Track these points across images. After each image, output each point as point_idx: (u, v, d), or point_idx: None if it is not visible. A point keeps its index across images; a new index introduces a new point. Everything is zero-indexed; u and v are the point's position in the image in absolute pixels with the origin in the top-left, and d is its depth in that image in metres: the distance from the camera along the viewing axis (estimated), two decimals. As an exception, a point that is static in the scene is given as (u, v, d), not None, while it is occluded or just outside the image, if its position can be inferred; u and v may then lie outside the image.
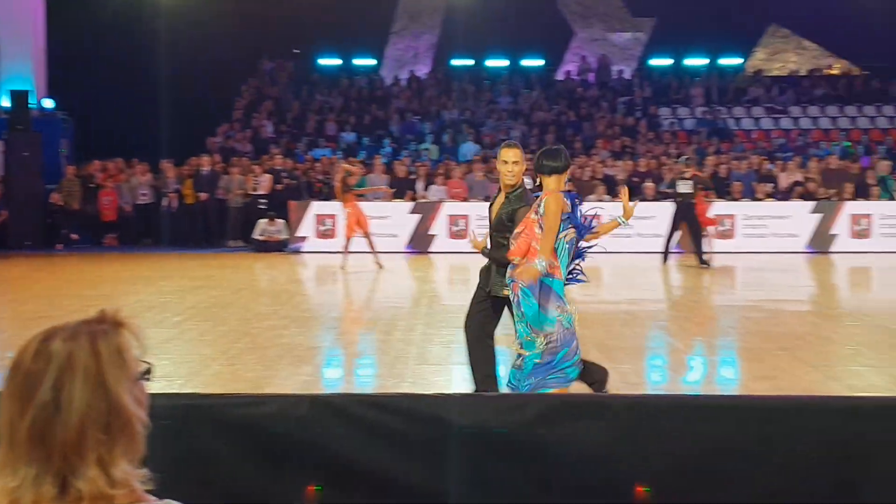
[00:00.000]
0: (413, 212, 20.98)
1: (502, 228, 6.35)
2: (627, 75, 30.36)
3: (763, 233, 20.80)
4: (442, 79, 29.71)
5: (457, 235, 20.84)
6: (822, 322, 11.43)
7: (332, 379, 8.57)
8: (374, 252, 17.04)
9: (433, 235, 20.88)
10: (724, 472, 3.47)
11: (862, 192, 21.51)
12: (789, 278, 16.61)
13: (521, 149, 6.51)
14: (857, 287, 16.94)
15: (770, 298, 13.61)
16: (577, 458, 3.45)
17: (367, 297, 14.71)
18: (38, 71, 24.40)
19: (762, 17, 30.97)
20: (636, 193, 19.01)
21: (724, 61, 30.87)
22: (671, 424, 3.52)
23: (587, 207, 6.19)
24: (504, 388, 6.32)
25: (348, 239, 16.99)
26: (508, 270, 5.96)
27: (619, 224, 6.21)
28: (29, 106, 22.59)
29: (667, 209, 18.53)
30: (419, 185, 22.16)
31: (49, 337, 1.76)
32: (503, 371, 6.96)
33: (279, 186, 21.99)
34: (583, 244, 6.04)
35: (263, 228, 20.99)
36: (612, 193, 21.09)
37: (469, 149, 25.17)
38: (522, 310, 5.80)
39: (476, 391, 6.68)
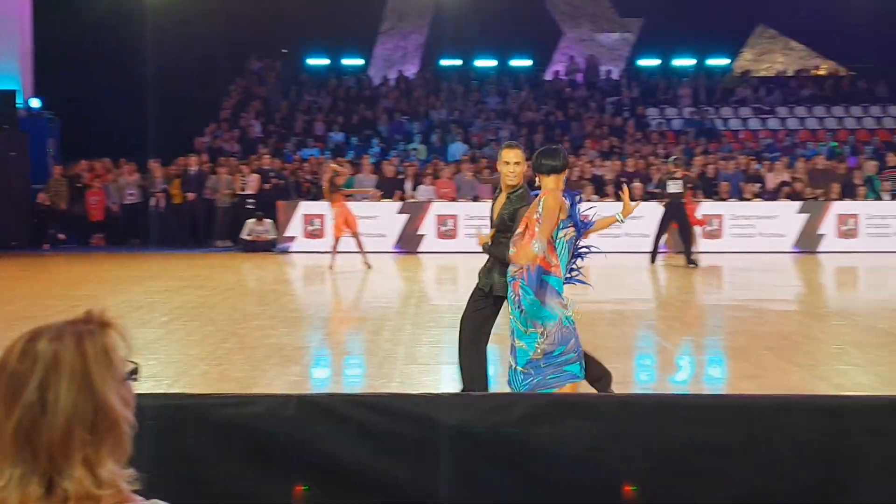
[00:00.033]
0: (401, 212, 20.98)
1: (504, 228, 6.36)
2: (615, 75, 30.41)
3: (750, 233, 20.86)
4: (430, 79, 29.70)
5: (445, 235, 20.85)
6: (809, 321, 11.47)
7: (320, 379, 8.56)
8: (362, 252, 17.03)
9: (422, 235, 20.88)
10: (711, 471, 3.48)
11: (849, 193, 21.60)
12: (776, 278, 16.66)
13: (521, 149, 6.53)
14: (844, 287, 17.00)
15: (757, 298, 13.65)
16: (565, 457, 3.45)
17: (355, 297, 14.70)
18: (25, 70, 24.30)
19: (749, 17, 31.06)
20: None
21: (712, 62, 30.96)
22: (658, 424, 3.53)
23: (584, 207, 6.20)
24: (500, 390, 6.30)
25: (337, 239, 16.98)
26: (510, 269, 5.96)
27: (617, 221, 6.25)
28: (16, 105, 22.50)
29: (655, 209, 18.58)
30: (407, 185, 22.15)
31: (35, 337, 1.76)
32: (492, 370, 6.95)
33: (267, 186, 21.96)
34: (582, 243, 6.05)
35: (251, 228, 20.95)
36: (601, 193, 21.13)
37: (457, 149, 25.18)
38: (522, 306, 5.81)
39: (463, 391, 6.68)
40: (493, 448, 3.46)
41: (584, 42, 31.74)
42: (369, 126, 26.97)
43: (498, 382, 6.84)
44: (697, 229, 18.51)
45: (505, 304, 6.33)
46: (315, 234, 20.61)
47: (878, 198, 21.64)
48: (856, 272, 18.17)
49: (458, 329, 6.79)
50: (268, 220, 20.96)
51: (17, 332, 1.80)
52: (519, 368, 5.83)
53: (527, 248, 5.65)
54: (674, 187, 17.49)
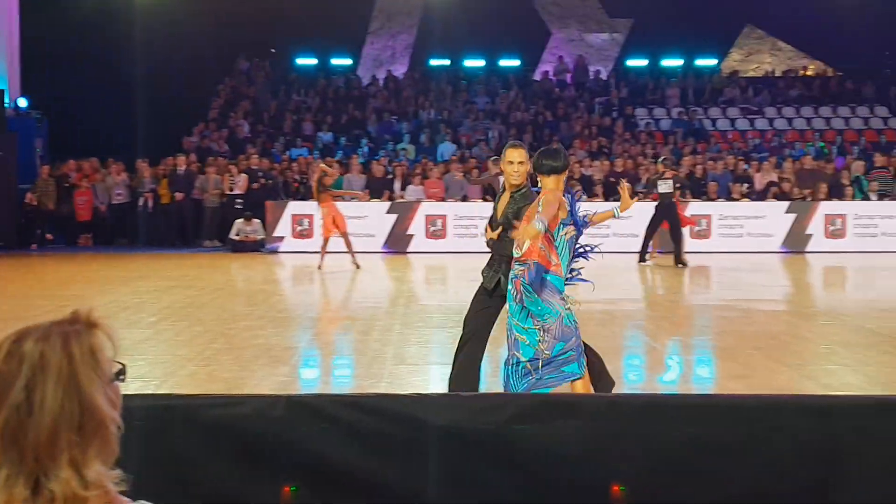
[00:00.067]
0: (390, 212, 20.97)
1: (508, 227, 6.37)
2: (604, 76, 30.46)
3: (738, 233, 20.92)
4: (419, 79, 29.70)
5: (434, 235, 20.85)
6: (797, 321, 11.50)
7: (308, 379, 8.54)
8: (351, 252, 17.02)
9: (411, 235, 20.87)
10: (700, 471, 3.49)
11: (836, 193, 21.67)
12: (764, 278, 16.70)
13: (525, 149, 6.54)
14: (832, 286, 17.06)
15: (745, 298, 13.68)
16: (554, 457, 3.45)
17: (344, 298, 14.68)
18: (13, 70, 24.21)
19: (738, 18, 31.15)
20: (612, 193, 19.05)
21: (700, 62, 31.03)
22: (647, 424, 3.53)
23: (582, 207, 6.21)
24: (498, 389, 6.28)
25: (326, 239, 16.96)
26: (514, 268, 5.96)
27: (614, 216, 6.28)
28: (3, 105, 22.41)
29: (643, 209, 18.61)
30: (396, 185, 22.15)
31: (21, 338, 1.75)
32: (486, 369, 6.94)
33: (255, 186, 21.92)
34: (582, 242, 6.06)
35: (240, 228, 20.91)
36: (589, 193, 21.15)
37: (446, 149, 25.19)
38: (524, 304, 5.81)
39: (450, 388, 6.67)
40: (482, 448, 3.46)
41: (573, 42, 31.78)
42: (358, 126, 26.95)
43: (487, 382, 6.81)
44: (686, 229, 18.54)
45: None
46: (304, 234, 20.58)
47: (866, 198, 21.72)
48: (843, 272, 18.24)
49: (462, 328, 6.76)
50: (256, 220, 20.92)
51: (3, 332, 1.79)
52: (524, 360, 5.81)
53: (528, 226, 5.64)
54: (664, 187, 17.53)
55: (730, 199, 21.68)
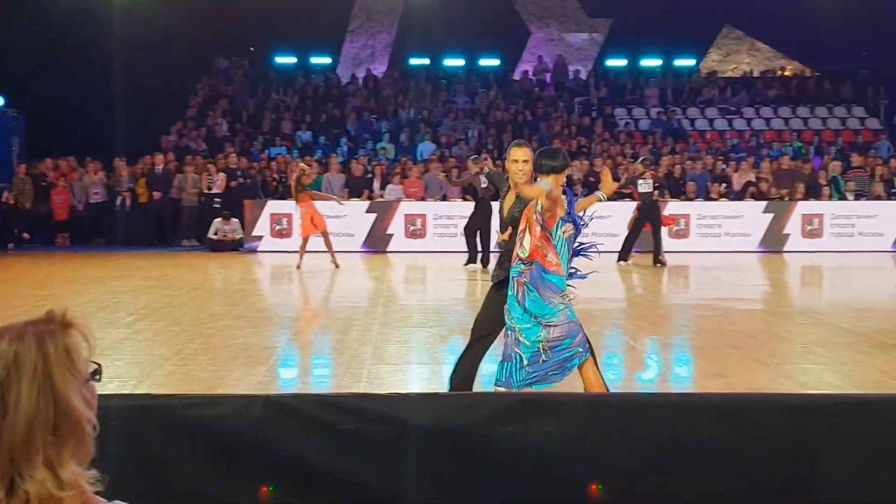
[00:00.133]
0: (369, 211, 20.94)
1: (515, 225, 6.38)
2: (583, 76, 30.52)
3: (717, 232, 21.01)
4: (399, 78, 29.67)
5: (413, 235, 20.84)
6: (775, 320, 11.56)
7: (287, 379, 8.52)
8: (330, 251, 16.98)
9: (390, 235, 20.85)
10: (677, 470, 3.50)
11: (813, 192, 21.80)
12: (742, 277, 16.78)
13: (530, 147, 6.54)
14: (809, 286, 17.15)
15: (723, 297, 13.74)
16: (533, 456, 3.46)
17: (323, 297, 14.65)
18: (-11, 68, 24.05)
19: (716, 18, 31.27)
20: (592, 192, 19.09)
21: (679, 62, 31.15)
22: (625, 423, 3.54)
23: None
24: (493, 387, 6.27)
25: (305, 239, 16.92)
26: (516, 267, 5.97)
27: (600, 199, 6.29)
28: (-21, 103, 22.27)
29: (622, 209, 18.69)
30: (376, 185, 22.12)
31: (-5, 337, 1.74)
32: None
33: (234, 185, 21.85)
34: (581, 240, 6.07)
35: (218, 227, 20.84)
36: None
37: (426, 148, 25.18)
38: (525, 303, 5.82)
39: (451, 384, 6.72)
40: (461, 448, 3.46)
41: (553, 42, 31.83)
42: (337, 125, 26.91)
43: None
44: (664, 229, 18.60)
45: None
46: (282, 234, 20.53)
47: (843, 198, 21.86)
48: (820, 271, 18.34)
49: (473, 325, 6.77)
50: (235, 220, 20.85)
51: (-23, 332, 1.77)
52: (526, 358, 5.82)
53: (536, 185, 5.67)
54: (644, 187, 17.58)
55: (708, 198, 21.77)
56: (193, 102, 27.36)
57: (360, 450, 3.40)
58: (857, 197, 21.85)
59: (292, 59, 30.61)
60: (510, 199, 6.62)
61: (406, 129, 26.50)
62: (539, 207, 5.83)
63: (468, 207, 17.89)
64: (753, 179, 22.30)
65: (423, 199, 21.52)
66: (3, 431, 1.68)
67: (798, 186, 21.55)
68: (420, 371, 8.62)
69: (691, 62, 31.43)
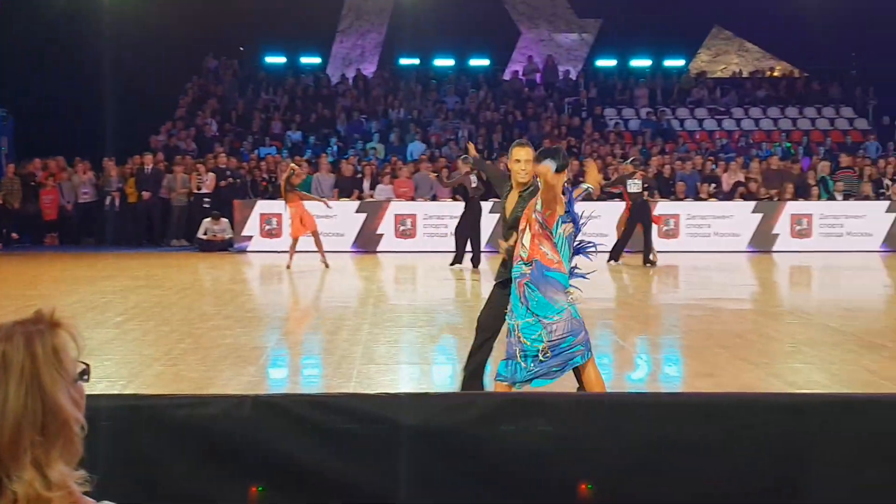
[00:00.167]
0: (359, 211, 20.92)
1: (517, 225, 6.39)
2: (573, 76, 30.55)
3: (706, 232, 21.06)
4: (389, 78, 29.65)
5: (403, 235, 20.83)
6: (764, 320, 11.59)
7: (276, 379, 8.51)
8: (320, 251, 16.97)
9: (380, 235, 20.84)
10: (667, 469, 3.50)
11: (802, 193, 21.86)
12: (731, 277, 16.81)
13: (532, 147, 6.56)
14: (798, 286, 17.20)
15: (712, 297, 13.77)
16: (523, 456, 3.46)
17: (312, 297, 14.64)
18: (-23, 67, 23.95)
19: (705, 19, 31.33)
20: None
21: (669, 63, 31.19)
22: (615, 422, 3.54)
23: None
24: (493, 383, 6.28)
25: (295, 239, 16.90)
26: (518, 268, 5.97)
27: (586, 191, 6.29)
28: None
29: (613, 208, 18.71)
30: (366, 185, 22.10)
31: (-17, 337, 1.73)
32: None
33: (223, 185, 21.81)
34: (581, 238, 6.09)
35: (207, 227, 20.80)
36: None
37: (416, 148, 25.18)
38: (528, 302, 5.83)
39: (464, 384, 6.75)
40: (452, 448, 3.46)
41: (543, 42, 31.85)
42: (327, 125, 26.88)
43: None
44: (654, 227, 18.64)
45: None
46: (272, 234, 20.50)
47: (832, 198, 21.92)
48: (809, 271, 18.40)
49: (477, 324, 6.80)
50: (224, 220, 20.81)
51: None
52: (529, 356, 5.83)
53: (544, 164, 5.72)
54: (634, 187, 17.62)
55: (697, 198, 21.82)
56: (183, 102, 27.30)
57: (350, 450, 3.40)
58: (846, 197, 21.92)
59: (282, 59, 30.57)
60: (512, 199, 6.62)
61: (396, 129, 26.49)
62: (538, 206, 5.85)
63: (458, 207, 17.88)
64: (742, 179, 22.35)
65: (413, 199, 21.51)
66: (-10, 431, 1.67)
67: (787, 186, 21.61)
68: (410, 371, 8.62)
69: (681, 63, 31.49)
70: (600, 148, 25.17)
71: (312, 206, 17.55)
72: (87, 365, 1.82)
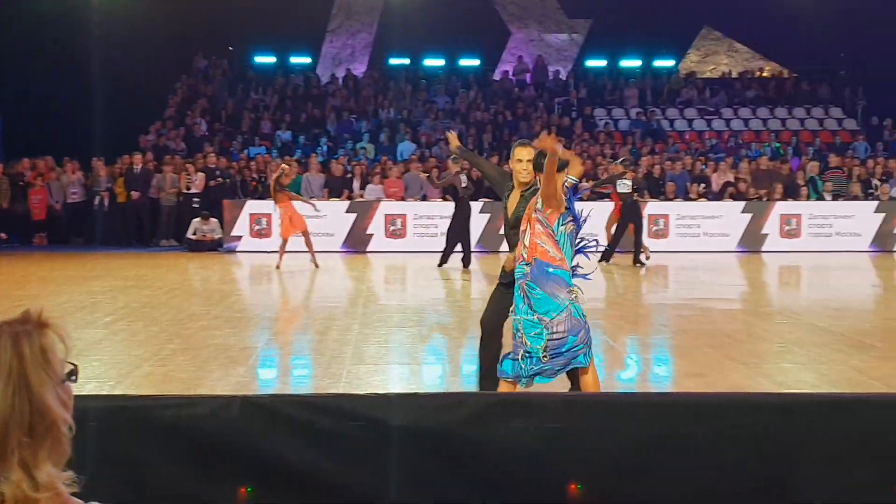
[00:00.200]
0: (349, 211, 20.90)
1: (519, 225, 6.39)
2: (563, 76, 30.58)
3: (696, 232, 21.10)
4: (378, 78, 29.63)
5: (393, 235, 20.82)
6: (753, 320, 11.61)
7: (266, 380, 8.50)
8: (311, 251, 16.95)
9: (370, 235, 20.82)
10: (656, 468, 3.50)
11: (791, 193, 21.92)
12: (721, 277, 16.85)
13: (534, 147, 6.57)
14: (787, 286, 17.24)
15: (702, 297, 13.80)
16: (512, 456, 3.46)
17: (302, 297, 14.62)
18: (-35, 66, 23.85)
19: (695, 19, 31.40)
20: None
21: (658, 63, 31.24)
22: (605, 422, 3.54)
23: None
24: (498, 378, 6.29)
25: (285, 239, 16.87)
26: (518, 269, 5.98)
27: (573, 183, 6.30)
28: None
29: (603, 208, 18.73)
30: (356, 185, 22.08)
31: (-30, 338, 1.72)
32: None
33: (213, 184, 21.76)
34: (581, 236, 6.10)
35: (197, 227, 20.75)
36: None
37: (406, 148, 25.17)
38: (530, 301, 5.83)
39: (480, 384, 6.77)
40: (442, 448, 3.46)
41: (533, 42, 31.88)
42: (317, 125, 26.85)
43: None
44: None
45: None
46: (261, 234, 20.46)
47: (820, 198, 21.98)
48: (798, 271, 18.45)
49: (481, 324, 6.80)
50: (214, 220, 20.76)
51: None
52: (533, 355, 5.84)
53: (552, 141, 5.79)
54: (623, 187, 17.65)
55: (687, 199, 21.86)
56: (172, 102, 27.23)
57: (340, 450, 3.39)
58: (835, 197, 21.98)
59: (272, 59, 30.52)
60: (514, 198, 6.63)
61: (386, 129, 26.48)
62: (539, 205, 5.87)
63: (448, 207, 17.88)
64: (732, 180, 22.40)
65: (403, 199, 21.50)
66: (-23, 433, 1.66)
67: (776, 187, 21.67)
68: (400, 371, 8.61)
69: (670, 63, 31.55)
70: (590, 148, 25.19)
71: (302, 207, 17.53)
72: (75, 365, 1.82)
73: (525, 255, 5.94)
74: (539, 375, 5.88)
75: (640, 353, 9.79)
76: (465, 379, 8.35)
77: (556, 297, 5.80)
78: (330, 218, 20.27)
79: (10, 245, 21.51)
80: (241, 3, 27.32)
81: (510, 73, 30.50)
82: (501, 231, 21.85)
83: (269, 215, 19.61)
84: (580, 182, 6.46)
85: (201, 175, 21.85)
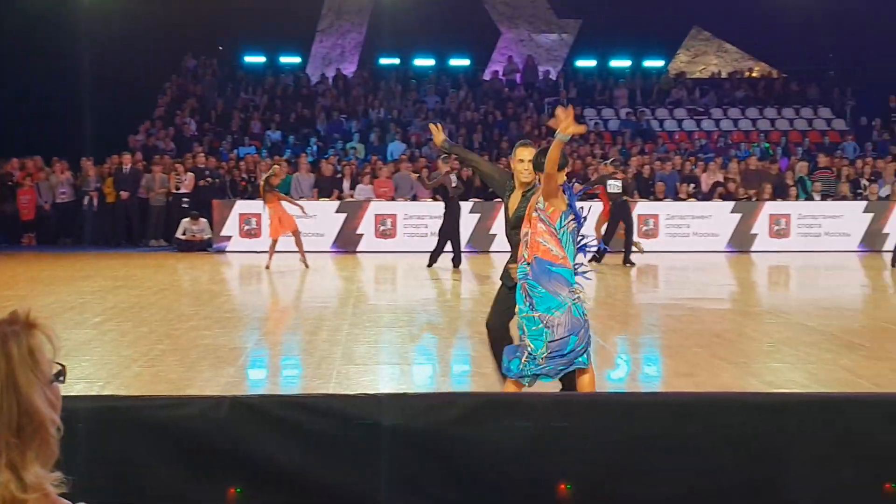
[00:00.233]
0: (339, 211, 20.88)
1: (520, 225, 6.39)
2: (553, 76, 30.61)
3: (685, 232, 21.14)
4: (368, 77, 29.62)
5: (384, 235, 20.81)
6: (742, 320, 11.64)
7: (255, 380, 8.48)
8: (301, 251, 16.93)
9: (360, 235, 20.80)
10: (645, 468, 3.51)
11: (781, 193, 21.98)
12: (710, 277, 16.89)
13: (535, 147, 6.57)
14: (776, 285, 17.29)
15: (692, 297, 13.82)
16: (502, 455, 3.46)
17: (292, 297, 14.61)
18: (-47, 66, 23.75)
19: (685, 20, 31.46)
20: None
21: (648, 63, 31.30)
22: (594, 422, 3.55)
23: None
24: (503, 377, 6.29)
25: (274, 240, 16.84)
26: (525, 269, 5.97)
27: (561, 140, 6.30)
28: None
29: (592, 209, 18.72)
30: (346, 185, 22.06)
31: (-42, 338, 1.71)
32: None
33: (202, 184, 21.72)
34: (582, 234, 6.10)
35: (186, 227, 20.71)
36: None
37: (396, 148, 25.15)
38: (532, 300, 5.83)
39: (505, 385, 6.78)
40: (432, 448, 3.46)
41: (523, 42, 31.90)
42: (307, 125, 26.82)
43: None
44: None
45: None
46: (251, 234, 20.42)
47: (809, 198, 22.05)
48: (787, 271, 18.49)
49: (487, 328, 6.78)
50: (203, 220, 20.72)
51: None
52: (536, 354, 5.84)
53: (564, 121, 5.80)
54: (613, 188, 17.67)
55: (677, 199, 21.90)
56: (161, 101, 27.17)
57: (329, 451, 3.39)
58: (824, 197, 22.05)
59: (261, 59, 30.48)
60: (515, 198, 6.63)
61: (376, 128, 26.47)
62: (541, 204, 5.87)
63: (439, 208, 17.87)
64: (721, 180, 22.45)
65: (393, 199, 21.49)
66: (-35, 434, 1.66)
67: (765, 187, 21.72)
68: (390, 371, 8.61)
69: (660, 63, 31.60)
70: (580, 148, 25.20)
71: (291, 208, 17.51)
72: (63, 366, 1.81)
73: (526, 256, 5.94)
74: (542, 376, 5.89)
75: (629, 352, 9.80)
76: (455, 379, 8.35)
77: (558, 296, 5.81)
78: (320, 218, 20.25)
79: (-2, 245, 21.44)
80: (231, 3, 27.27)
81: (500, 73, 30.51)
82: (491, 231, 21.85)
83: (258, 215, 19.57)
84: (572, 182, 6.46)
85: (191, 175, 21.80)
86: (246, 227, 20.54)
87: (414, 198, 21.58)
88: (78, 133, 22.88)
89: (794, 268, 18.59)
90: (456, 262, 16.85)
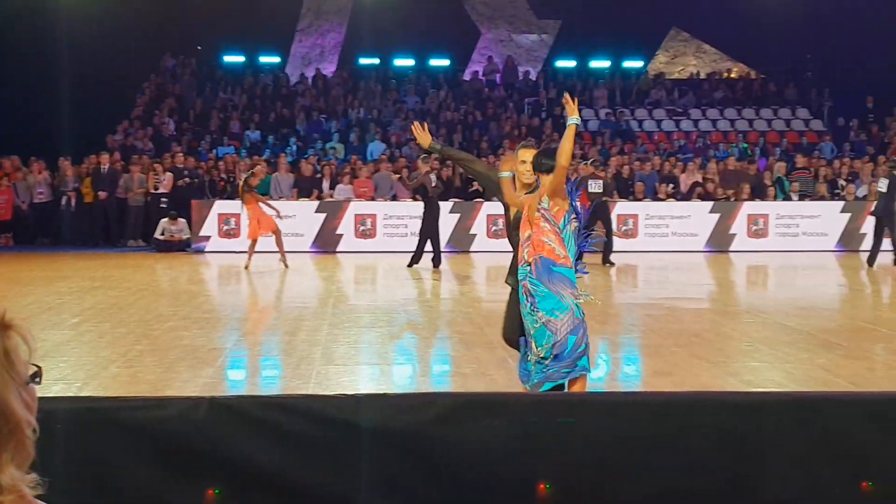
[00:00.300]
0: (319, 211, 20.84)
1: (519, 225, 6.38)
2: (533, 76, 30.65)
3: (664, 232, 21.22)
4: (348, 77, 29.58)
5: (363, 235, 20.78)
6: (721, 319, 11.69)
7: (234, 381, 8.45)
8: (281, 251, 16.89)
9: (340, 235, 20.78)
10: (624, 467, 3.52)
11: (759, 193, 22.10)
12: (689, 277, 16.96)
13: (537, 149, 6.57)
14: (754, 285, 17.37)
15: (671, 297, 13.87)
16: (482, 456, 3.46)
17: (271, 298, 14.56)
18: (-71, 65, 23.56)
19: (664, 21, 31.57)
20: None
21: (627, 64, 31.40)
22: (574, 422, 3.55)
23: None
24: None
25: (253, 240, 16.79)
26: (526, 269, 5.97)
27: (575, 124, 6.33)
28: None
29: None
30: (325, 185, 22.02)
31: (-69, 339, 1.70)
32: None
33: (181, 184, 21.63)
34: (583, 233, 6.12)
35: (165, 228, 20.63)
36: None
37: (376, 148, 25.13)
38: (535, 301, 5.83)
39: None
40: (411, 448, 3.45)
41: (502, 43, 31.93)
42: (286, 124, 26.76)
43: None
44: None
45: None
46: (230, 234, 20.36)
47: (787, 198, 22.18)
48: (765, 271, 18.59)
49: (503, 339, 6.78)
50: (182, 220, 20.65)
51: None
52: (541, 356, 5.85)
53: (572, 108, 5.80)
54: (594, 188, 17.72)
55: (656, 199, 21.98)
56: (140, 101, 27.04)
57: (309, 452, 3.38)
58: (802, 197, 22.18)
59: (240, 58, 30.38)
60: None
61: (356, 128, 26.43)
62: (545, 203, 5.88)
63: (418, 207, 17.87)
64: (700, 180, 22.55)
65: (373, 199, 21.47)
66: (-61, 435, 1.64)
67: (744, 187, 21.84)
68: (370, 371, 8.60)
69: (639, 64, 31.72)
70: (560, 148, 25.26)
71: (274, 205, 17.47)
72: (39, 367, 1.80)
73: (526, 256, 5.95)
74: (548, 381, 5.89)
75: (609, 352, 9.83)
76: (435, 379, 8.35)
77: (561, 296, 5.82)
78: (299, 218, 20.22)
79: (-25, 245, 21.29)
80: (210, 3, 27.16)
81: (480, 73, 30.53)
82: (471, 231, 21.81)
83: (237, 215, 19.49)
84: (576, 180, 6.49)
85: (169, 175, 21.71)
86: (225, 228, 20.47)
87: (394, 198, 21.57)
88: (56, 133, 22.73)
89: (772, 267, 18.69)
90: (436, 261, 16.85)
